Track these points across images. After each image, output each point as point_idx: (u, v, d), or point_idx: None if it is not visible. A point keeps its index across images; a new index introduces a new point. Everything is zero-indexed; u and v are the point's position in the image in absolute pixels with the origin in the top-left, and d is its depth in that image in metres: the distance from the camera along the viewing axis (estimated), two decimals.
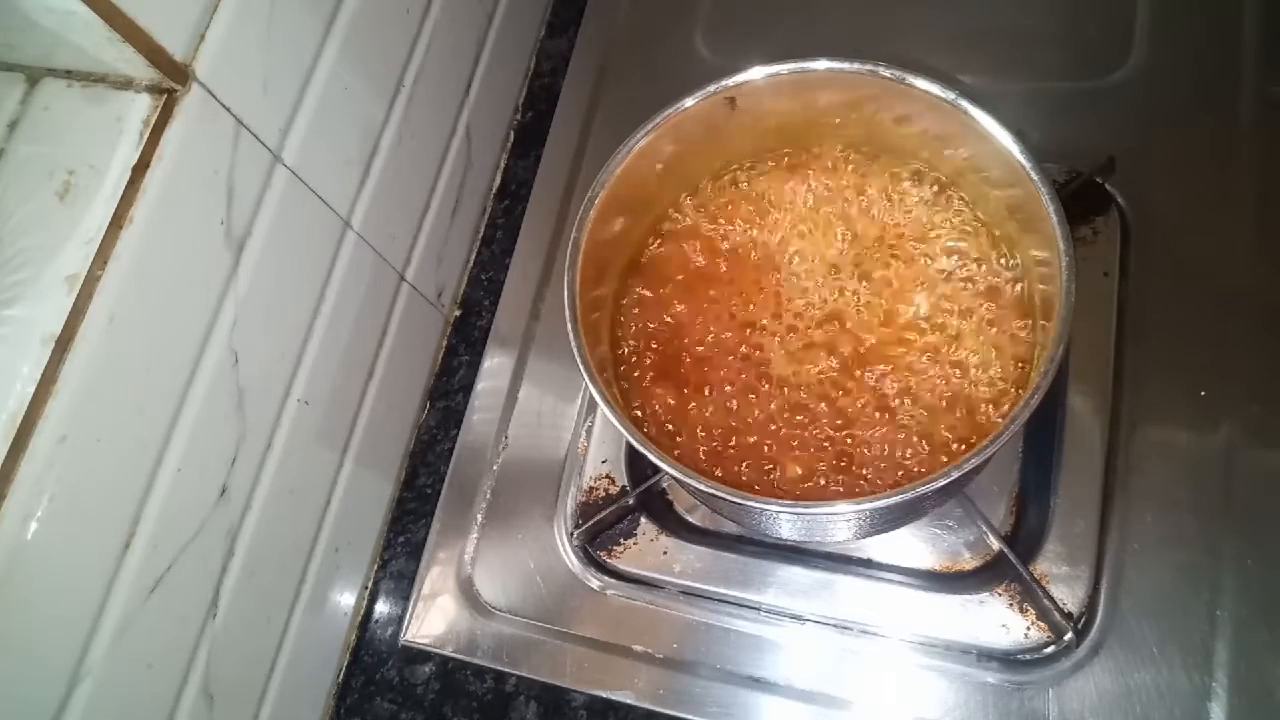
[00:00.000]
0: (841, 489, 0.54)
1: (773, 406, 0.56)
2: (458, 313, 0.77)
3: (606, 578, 0.64)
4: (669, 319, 0.59)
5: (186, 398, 0.49)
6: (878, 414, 0.55)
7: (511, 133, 0.82)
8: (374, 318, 0.66)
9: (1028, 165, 0.49)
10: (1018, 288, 0.56)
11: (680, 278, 0.60)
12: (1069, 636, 0.56)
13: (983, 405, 0.54)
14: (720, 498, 0.47)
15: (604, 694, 0.62)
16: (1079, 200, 0.64)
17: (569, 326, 0.51)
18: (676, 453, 0.56)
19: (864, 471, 0.54)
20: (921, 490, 0.44)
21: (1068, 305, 0.46)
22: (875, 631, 0.60)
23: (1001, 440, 0.44)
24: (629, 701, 0.61)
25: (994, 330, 0.55)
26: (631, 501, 0.64)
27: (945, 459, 0.53)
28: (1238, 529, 0.57)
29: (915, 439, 0.54)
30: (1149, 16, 0.71)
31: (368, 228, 0.62)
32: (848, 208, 0.60)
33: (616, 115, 0.77)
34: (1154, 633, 0.56)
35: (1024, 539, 0.60)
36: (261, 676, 0.59)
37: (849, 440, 0.54)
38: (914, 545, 0.62)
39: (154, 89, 0.45)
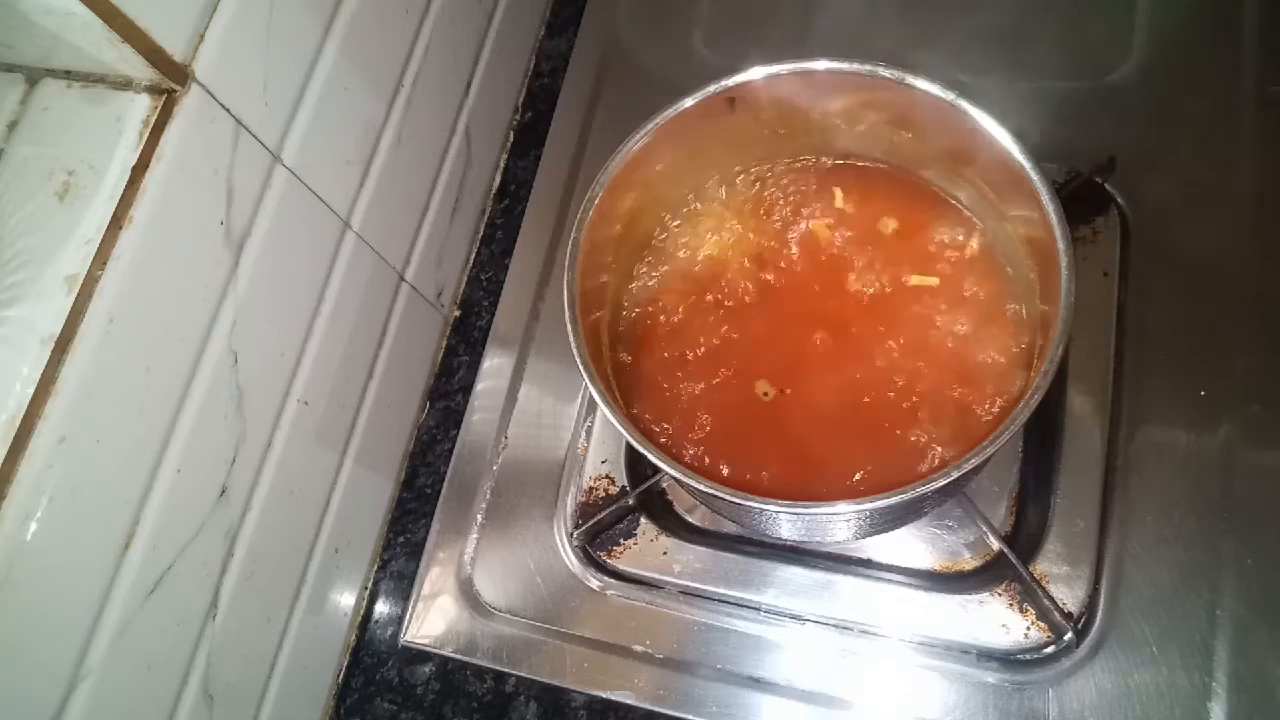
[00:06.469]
0: (841, 488, 0.53)
1: (773, 407, 0.56)
2: (457, 313, 0.77)
3: (606, 578, 0.64)
4: (669, 320, 0.59)
5: (186, 398, 0.49)
6: (879, 413, 0.55)
7: (511, 133, 0.82)
8: (374, 318, 0.66)
9: (1027, 165, 0.49)
10: (1017, 286, 0.56)
11: (680, 278, 0.60)
12: (1069, 636, 0.56)
13: (983, 405, 0.54)
14: (720, 498, 0.47)
15: (604, 694, 0.62)
16: (1079, 200, 0.64)
17: (569, 326, 0.51)
18: (677, 453, 0.56)
19: (865, 470, 0.54)
20: (921, 490, 0.44)
21: (1068, 305, 0.46)
22: (875, 631, 0.60)
23: (1001, 440, 0.44)
24: (629, 701, 0.61)
25: (993, 330, 0.55)
26: (631, 501, 0.64)
27: (944, 459, 0.53)
28: (1238, 529, 0.57)
29: (916, 440, 0.54)
30: (1149, 16, 0.71)
31: (367, 228, 0.62)
32: (849, 208, 0.60)
33: (616, 115, 0.77)
34: (1154, 633, 0.56)
35: (1024, 539, 0.60)
36: (261, 677, 0.59)
37: (849, 439, 0.54)
38: (914, 545, 0.62)
39: (153, 89, 0.45)
